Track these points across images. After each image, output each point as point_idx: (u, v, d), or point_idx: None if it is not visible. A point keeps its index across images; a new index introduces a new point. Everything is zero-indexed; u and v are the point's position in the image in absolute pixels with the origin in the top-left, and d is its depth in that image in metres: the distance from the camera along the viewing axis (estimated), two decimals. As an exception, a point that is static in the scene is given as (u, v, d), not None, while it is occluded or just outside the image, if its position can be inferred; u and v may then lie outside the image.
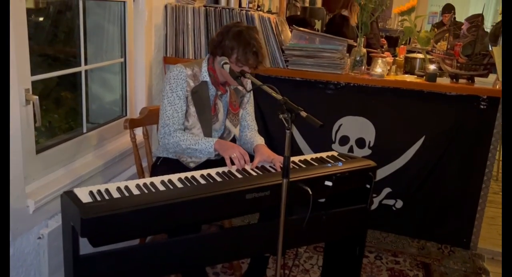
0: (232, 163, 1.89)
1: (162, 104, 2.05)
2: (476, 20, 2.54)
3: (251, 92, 2.23)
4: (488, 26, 2.68)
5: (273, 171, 1.89)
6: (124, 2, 2.40)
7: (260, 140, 2.18)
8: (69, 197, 1.50)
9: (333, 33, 2.76)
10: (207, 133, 2.08)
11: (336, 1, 4.54)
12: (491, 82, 2.52)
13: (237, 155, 1.89)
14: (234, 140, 2.24)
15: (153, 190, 1.62)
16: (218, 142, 1.98)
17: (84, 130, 2.23)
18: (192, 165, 2.09)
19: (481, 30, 2.56)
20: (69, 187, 1.90)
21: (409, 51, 3.50)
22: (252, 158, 1.99)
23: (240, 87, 2.16)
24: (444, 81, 2.61)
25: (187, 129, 2.07)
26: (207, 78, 2.06)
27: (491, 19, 7.33)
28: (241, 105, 2.21)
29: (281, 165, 1.85)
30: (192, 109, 2.05)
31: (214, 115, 2.09)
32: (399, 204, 2.81)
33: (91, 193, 1.54)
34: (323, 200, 2.37)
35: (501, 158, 3.94)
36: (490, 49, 2.55)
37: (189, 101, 2.04)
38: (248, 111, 2.26)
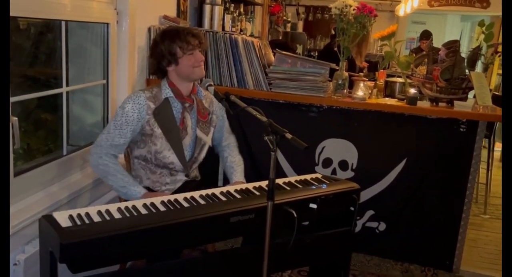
0: None
1: (109, 124, 2.00)
2: (454, 45, 2.61)
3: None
4: (464, 51, 2.75)
5: (257, 193, 1.87)
6: (108, 24, 2.39)
7: (239, 174, 2.17)
8: (47, 221, 1.45)
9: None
10: (179, 151, 2.05)
11: (319, 28, 4.64)
12: (470, 106, 2.58)
13: None
14: (205, 164, 2.21)
15: (135, 214, 1.58)
16: (145, 196, 1.90)
17: (64, 153, 2.18)
18: (167, 192, 2.05)
19: (458, 55, 2.62)
20: (48, 211, 1.84)
21: (389, 75, 3.57)
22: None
23: (211, 109, 2.17)
24: (424, 104, 2.66)
25: (157, 153, 2.02)
26: (170, 94, 2.03)
27: (467, 44, 7.58)
28: (210, 122, 2.18)
29: None
30: (158, 131, 2.00)
31: (182, 130, 2.05)
32: (382, 226, 2.81)
33: (70, 217, 1.49)
34: (306, 223, 2.36)
35: (480, 181, 4.00)
36: (468, 73, 2.62)
37: (152, 124, 1.99)
38: (224, 125, 2.26)
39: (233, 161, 2.25)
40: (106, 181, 1.96)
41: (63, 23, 2.10)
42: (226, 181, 2.71)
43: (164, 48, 1.97)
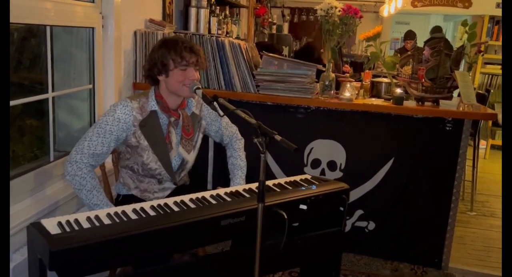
0: None
1: (89, 131, 1.89)
2: (438, 45, 2.65)
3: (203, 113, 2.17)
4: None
5: (247, 196, 1.87)
6: (93, 28, 2.38)
7: (238, 179, 2.16)
8: (36, 228, 1.43)
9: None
10: (166, 164, 2.01)
11: (304, 29, 4.68)
12: (455, 104, 2.61)
13: None
14: (194, 168, 2.18)
15: (125, 219, 1.57)
16: None
17: (51, 159, 2.16)
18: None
19: (442, 55, 2.66)
20: (36, 218, 1.82)
21: (374, 76, 3.60)
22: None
23: (202, 112, 2.13)
24: (410, 104, 2.69)
25: (143, 164, 1.98)
26: (156, 107, 1.96)
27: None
28: (199, 129, 2.14)
29: None
30: (144, 144, 1.94)
31: (168, 143, 2.00)
32: (372, 226, 2.83)
33: (59, 224, 1.48)
34: (296, 224, 2.37)
35: (466, 178, 4.05)
36: (452, 72, 2.65)
37: (138, 136, 1.93)
38: (220, 126, 2.20)
39: (234, 163, 2.22)
40: (79, 194, 1.86)
41: (48, 28, 2.08)
42: (216, 184, 2.72)
43: (158, 56, 1.90)
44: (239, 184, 2.15)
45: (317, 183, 2.07)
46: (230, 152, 2.26)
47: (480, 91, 5.02)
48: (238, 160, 2.23)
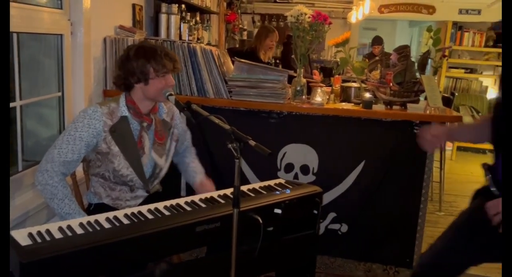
0: None
1: (58, 139, 1.88)
2: (405, 50, 2.73)
3: (178, 122, 2.19)
4: (414, 55, 2.88)
5: (222, 201, 1.87)
6: (61, 35, 2.34)
7: (200, 174, 2.22)
8: (5, 240, 1.40)
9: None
10: (138, 169, 1.98)
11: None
12: (422, 108, 2.69)
13: None
14: (167, 175, 2.18)
15: (98, 228, 1.55)
16: None
17: (20, 169, 2.11)
18: None
19: (409, 60, 2.74)
20: (4, 230, 1.77)
21: (344, 81, 3.67)
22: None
23: (171, 118, 2.13)
24: (379, 108, 2.75)
25: (115, 171, 1.95)
26: (127, 113, 1.95)
27: (416, 49, 7.90)
28: (171, 137, 2.13)
29: None
30: (115, 149, 1.92)
31: (140, 149, 1.98)
32: (344, 228, 2.87)
33: (30, 235, 1.44)
34: (271, 228, 2.38)
35: (434, 179, 4.16)
36: (419, 77, 2.74)
37: (108, 142, 1.91)
38: (188, 137, 2.29)
39: (196, 166, 2.28)
40: (50, 203, 1.83)
41: (14, 35, 2.03)
42: (189, 191, 2.70)
43: (136, 65, 1.89)
44: (205, 179, 2.21)
45: (291, 187, 2.09)
46: (189, 159, 2.30)
47: (446, 94, 5.18)
48: (198, 164, 2.29)
